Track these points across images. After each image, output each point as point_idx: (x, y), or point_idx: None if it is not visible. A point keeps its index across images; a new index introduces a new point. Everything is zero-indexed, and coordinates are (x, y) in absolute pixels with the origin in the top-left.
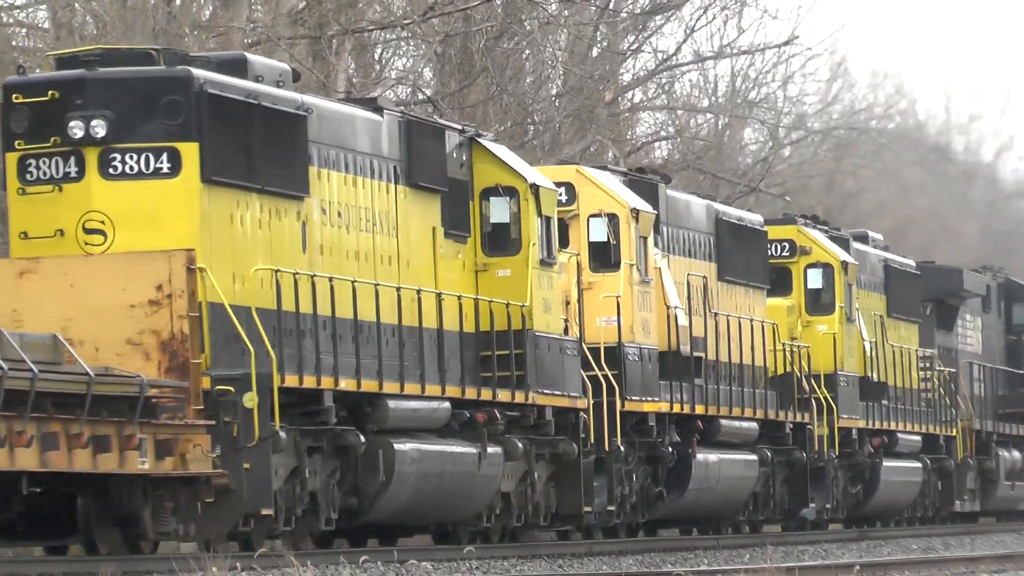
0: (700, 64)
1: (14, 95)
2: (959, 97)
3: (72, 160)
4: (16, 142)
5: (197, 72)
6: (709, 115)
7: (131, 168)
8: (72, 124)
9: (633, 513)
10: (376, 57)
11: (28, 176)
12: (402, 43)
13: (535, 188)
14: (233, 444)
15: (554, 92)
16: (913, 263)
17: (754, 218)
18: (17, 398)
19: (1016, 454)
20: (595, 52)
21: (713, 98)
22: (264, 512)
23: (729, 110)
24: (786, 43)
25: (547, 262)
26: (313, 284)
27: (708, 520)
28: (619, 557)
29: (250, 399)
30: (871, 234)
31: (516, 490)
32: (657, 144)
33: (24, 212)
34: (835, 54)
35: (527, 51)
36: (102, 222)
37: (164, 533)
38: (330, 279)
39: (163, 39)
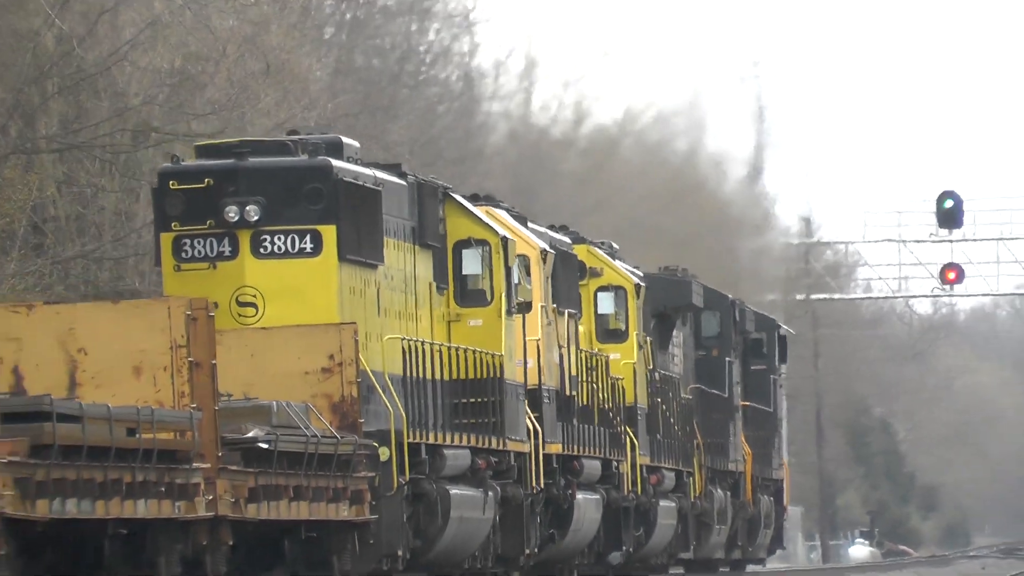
0: None
1: (170, 182)
2: None
3: (226, 241)
4: (172, 224)
5: (335, 163)
6: None
7: (279, 248)
8: (228, 209)
9: (537, 554)
10: None
11: (183, 254)
12: None
13: (505, 241)
14: (375, 493)
15: None
16: (641, 272)
17: (567, 239)
18: (295, 459)
19: (720, 492)
20: None
21: None
22: (399, 553)
23: None
24: None
25: (512, 311)
26: (416, 348)
27: (566, 562)
28: None
29: (385, 452)
30: (613, 244)
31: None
32: None
33: (179, 286)
34: None
35: None
36: (254, 296)
37: (346, 572)
38: (421, 343)
39: None
